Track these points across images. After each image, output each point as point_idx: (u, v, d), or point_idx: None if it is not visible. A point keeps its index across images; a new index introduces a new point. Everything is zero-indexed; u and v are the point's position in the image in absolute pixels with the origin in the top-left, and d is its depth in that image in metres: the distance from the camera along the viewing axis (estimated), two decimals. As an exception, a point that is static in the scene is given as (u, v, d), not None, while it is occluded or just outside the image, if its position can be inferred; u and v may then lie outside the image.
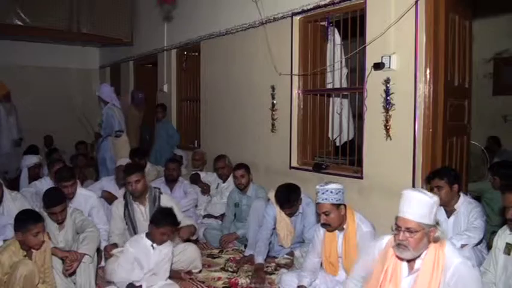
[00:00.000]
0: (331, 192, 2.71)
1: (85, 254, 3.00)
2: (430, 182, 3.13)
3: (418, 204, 1.99)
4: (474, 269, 2.02)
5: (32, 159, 5.05)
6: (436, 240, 2.01)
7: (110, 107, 5.93)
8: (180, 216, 3.71)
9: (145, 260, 3.02)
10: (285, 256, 3.87)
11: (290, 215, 3.69)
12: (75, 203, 3.69)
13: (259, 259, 3.62)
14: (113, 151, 5.89)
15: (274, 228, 3.79)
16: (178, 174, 4.92)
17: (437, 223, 2.05)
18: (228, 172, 4.94)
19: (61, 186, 3.60)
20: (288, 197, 3.55)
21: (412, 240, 1.98)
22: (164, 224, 2.99)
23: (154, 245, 3.02)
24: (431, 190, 3.05)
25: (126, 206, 3.63)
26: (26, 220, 2.75)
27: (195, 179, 5.17)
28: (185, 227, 3.64)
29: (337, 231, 2.84)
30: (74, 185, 3.71)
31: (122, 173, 4.51)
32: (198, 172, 5.36)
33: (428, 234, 2.00)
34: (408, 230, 1.99)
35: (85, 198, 3.82)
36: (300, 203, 3.67)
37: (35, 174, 4.93)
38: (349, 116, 4.73)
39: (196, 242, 4.04)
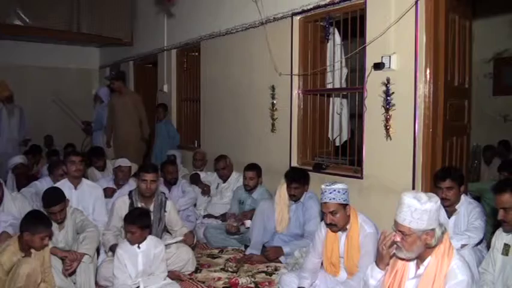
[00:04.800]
0: (339, 192, 2.70)
1: (85, 254, 3.00)
2: (440, 182, 3.06)
3: (408, 210, 1.99)
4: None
5: (14, 160, 5.07)
6: (429, 246, 2.00)
7: (103, 106, 6.75)
8: (180, 224, 3.81)
9: (133, 263, 3.04)
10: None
11: (292, 197, 3.82)
12: (80, 194, 3.89)
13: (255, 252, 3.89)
14: (102, 143, 6.65)
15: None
16: (177, 175, 4.93)
17: (435, 228, 2.00)
18: (228, 172, 4.94)
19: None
20: (299, 175, 3.84)
21: (405, 243, 2.01)
22: (130, 222, 3.03)
23: (140, 245, 3.05)
24: (438, 191, 3.05)
25: (131, 205, 3.61)
26: (37, 223, 2.77)
27: (195, 180, 5.17)
28: (188, 233, 3.78)
29: (339, 231, 2.84)
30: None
31: (121, 173, 4.55)
32: (198, 172, 5.36)
33: (422, 238, 1.99)
34: (401, 232, 2.02)
35: (90, 189, 4.00)
36: (306, 190, 3.85)
37: (21, 174, 4.92)
38: (348, 116, 4.74)
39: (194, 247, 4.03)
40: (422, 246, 2.00)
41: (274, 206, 3.98)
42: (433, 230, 1.99)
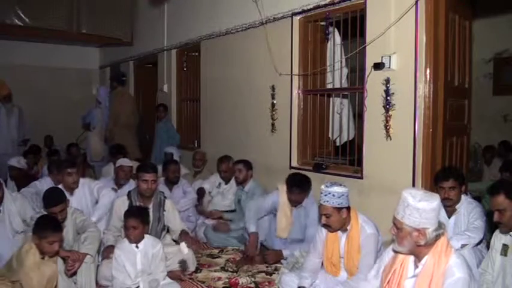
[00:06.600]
0: (334, 195, 2.70)
1: (87, 254, 3.00)
2: (442, 182, 3.06)
3: (402, 205, 2.03)
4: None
5: (9, 162, 5.08)
6: (419, 244, 2.00)
7: (99, 107, 7.14)
8: (179, 224, 3.81)
9: (132, 263, 3.03)
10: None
11: (294, 203, 3.75)
12: (77, 198, 3.88)
13: (252, 228, 3.82)
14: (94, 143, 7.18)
15: (275, 215, 3.90)
16: (179, 174, 4.92)
17: (429, 228, 1.98)
18: (230, 175, 4.91)
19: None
20: (300, 181, 3.70)
21: (397, 236, 2.06)
22: (132, 216, 3.03)
23: (138, 245, 3.05)
24: (440, 191, 3.05)
25: (130, 205, 3.60)
26: (45, 226, 2.76)
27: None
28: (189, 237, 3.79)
29: (340, 231, 2.84)
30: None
31: (123, 173, 4.54)
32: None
33: (413, 235, 2.00)
34: (395, 225, 2.07)
35: (84, 189, 3.99)
36: (307, 196, 3.74)
37: (17, 178, 4.92)
38: (349, 116, 4.74)
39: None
40: (413, 244, 2.02)
41: (265, 202, 3.94)
42: (425, 229, 1.98)
